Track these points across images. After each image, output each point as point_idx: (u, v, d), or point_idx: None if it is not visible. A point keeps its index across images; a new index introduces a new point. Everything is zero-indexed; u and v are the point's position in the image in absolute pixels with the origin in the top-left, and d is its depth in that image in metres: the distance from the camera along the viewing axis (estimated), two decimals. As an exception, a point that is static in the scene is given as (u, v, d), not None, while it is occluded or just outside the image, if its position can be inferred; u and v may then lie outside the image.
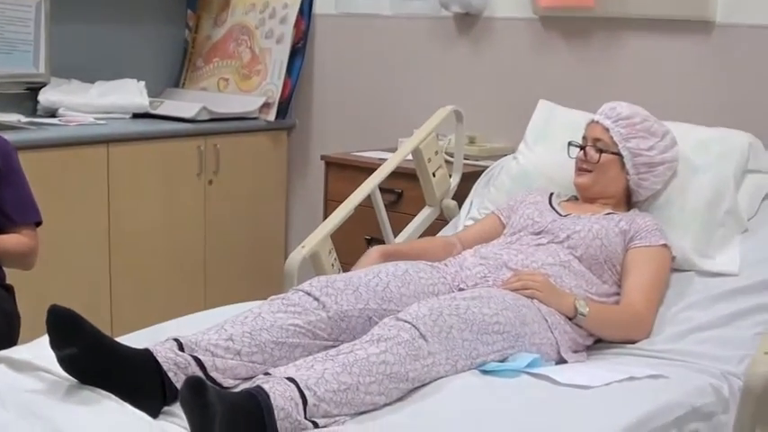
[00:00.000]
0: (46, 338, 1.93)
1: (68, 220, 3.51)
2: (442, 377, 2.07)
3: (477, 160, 3.60)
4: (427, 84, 4.00)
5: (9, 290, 2.75)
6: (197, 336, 2.03)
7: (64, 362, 1.89)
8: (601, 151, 2.72)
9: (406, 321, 2.05)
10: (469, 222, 3.11)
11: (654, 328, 2.50)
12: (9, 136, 2.97)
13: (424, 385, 2.04)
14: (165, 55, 4.59)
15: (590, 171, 2.74)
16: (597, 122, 2.76)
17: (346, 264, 2.81)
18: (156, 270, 3.91)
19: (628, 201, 2.82)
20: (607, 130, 2.73)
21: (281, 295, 2.21)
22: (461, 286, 2.46)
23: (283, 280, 2.70)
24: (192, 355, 1.96)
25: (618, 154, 2.71)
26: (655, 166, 2.73)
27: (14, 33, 3.94)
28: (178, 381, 1.91)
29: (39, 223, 2.82)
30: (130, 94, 4.10)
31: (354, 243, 3.35)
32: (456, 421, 1.91)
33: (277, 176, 4.40)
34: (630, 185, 2.76)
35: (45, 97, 3.99)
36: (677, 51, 3.34)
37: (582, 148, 2.78)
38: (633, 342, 2.46)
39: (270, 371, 1.95)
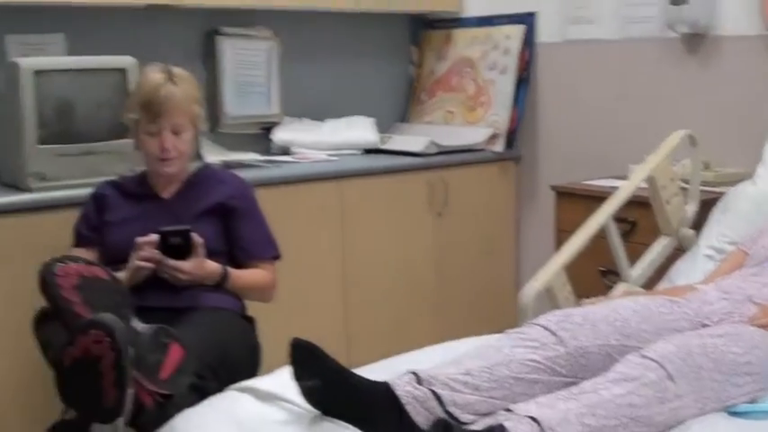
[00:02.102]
0: (287, 369, 1.98)
1: (304, 254, 3.61)
2: (687, 421, 1.98)
3: (713, 186, 3.45)
4: (655, 108, 3.88)
5: (250, 321, 2.86)
6: (435, 369, 2.03)
7: (306, 394, 1.94)
8: None
9: (652, 360, 1.97)
10: (709, 252, 2.99)
11: None
12: (246, 174, 3.11)
13: (668, 428, 1.95)
14: (391, 91, 4.68)
15: None
16: None
17: (581, 297, 2.75)
18: (389, 302, 3.96)
19: None
20: None
21: (518, 329, 2.18)
22: (705, 322, 2.33)
23: (516, 313, 2.67)
24: (430, 389, 1.96)
25: None
26: None
27: (249, 77, 4.12)
28: (416, 414, 1.92)
29: (277, 257, 2.93)
30: (361, 130, 4.21)
31: (588, 275, 3.28)
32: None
33: (506, 207, 4.37)
34: None
35: (278, 136, 4.14)
36: None
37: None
38: None
39: (510, 407, 1.92)
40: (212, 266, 2.73)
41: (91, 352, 2.12)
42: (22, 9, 3.58)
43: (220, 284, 2.75)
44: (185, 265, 2.65)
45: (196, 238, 2.66)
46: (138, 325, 2.33)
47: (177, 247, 2.65)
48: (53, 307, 2.34)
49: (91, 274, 2.41)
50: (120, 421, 2.15)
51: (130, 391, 2.13)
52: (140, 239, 2.65)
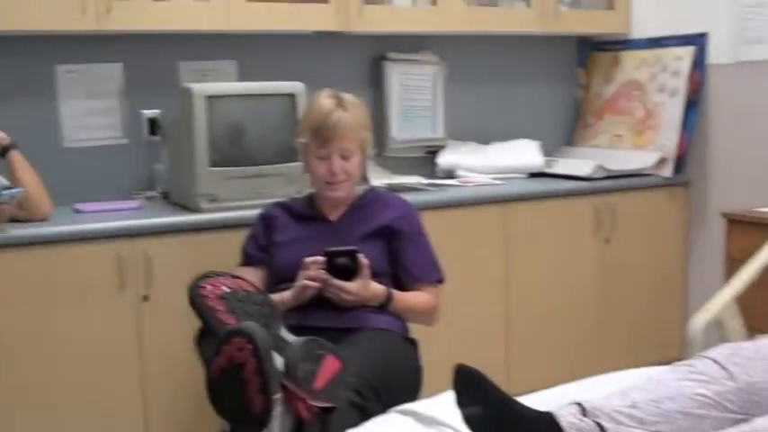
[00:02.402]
0: (449, 394, 1.97)
1: (467, 278, 3.61)
2: None
3: None
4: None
5: (413, 343, 2.87)
6: (600, 401, 1.98)
7: (468, 420, 1.92)
8: None
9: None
10: None
11: None
12: (410, 197, 3.13)
13: None
14: (556, 113, 4.64)
15: None
16: None
17: (753, 330, 2.64)
18: (552, 328, 3.91)
19: None
20: None
21: (686, 362, 2.11)
22: None
23: (682, 344, 2.59)
24: (595, 421, 1.92)
25: None
26: None
27: (414, 101, 4.16)
28: (580, 446, 1.88)
29: (441, 281, 2.93)
30: (526, 153, 4.18)
31: (762, 306, 3.15)
32: None
33: (674, 234, 4.25)
34: None
35: (443, 159, 4.16)
36: None
37: None
38: None
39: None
40: (377, 288, 2.75)
41: (234, 360, 2.17)
42: (195, 37, 3.73)
43: (384, 306, 2.78)
44: (351, 285, 2.68)
45: (362, 259, 2.68)
46: (288, 336, 2.37)
47: (343, 268, 2.69)
48: (200, 317, 2.41)
49: (236, 285, 2.48)
50: (274, 429, 2.19)
51: (276, 397, 2.16)
52: (308, 259, 2.70)
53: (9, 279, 2.98)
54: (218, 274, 2.49)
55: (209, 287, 2.42)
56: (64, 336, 3.06)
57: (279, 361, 2.23)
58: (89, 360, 3.10)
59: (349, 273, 2.69)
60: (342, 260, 2.68)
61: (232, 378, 2.17)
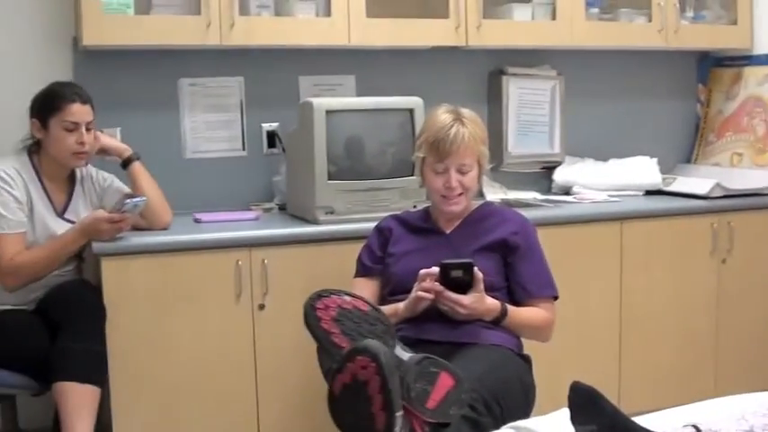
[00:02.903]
0: (563, 412, 1.96)
1: (581, 295, 3.57)
2: None
3: None
4: None
5: (527, 360, 2.85)
6: (716, 424, 1.94)
7: (583, 439, 1.91)
8: None
9: None
10: None
11: None
12: (526, 213, 3.11)
13: None
14: (675, 130, 4.56)
15: None
16: None
17: None
18: (665, 348, 3.83)
19: None
20: None
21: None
22: None
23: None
24: (714, 445, 1.88)
25: None
26: None
27: (532, 116, 4.14)
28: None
29: (556, 297, 2.91)
30: (643, 171, 4.12)
31: None
32: None
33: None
34: None
35: (560, 175, 4.13)
36: None
37: None
38: None
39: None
40: (491, 303, 2.74)
41: (358, 378, 2.19)
42: (315, 52, 3.78)
43: (498, 321, 2.77)
44: (465, 299, 2.68)
45: (477, 272, 2.68)
46: (403, 354, 2.38)
47: (458, 281, 2.68)
48: (315, 338, 2.44)
49: (351, 306, 2.49)
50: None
51: (399, 414, 2.17)
52: (423, 271, 2.71)
53: (132, 285, 3.08)
54: (332, 293, 2.51)
55: (323, 308, 2.44)
56: (182, 341, 3.14)
57: (397, 377, 2.24)
58: (206, 364, 3.17)
59: (464, 286, 2.68)
60: (457, 273, 2.67)
61: (355, 395, 2.20)
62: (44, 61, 3.45)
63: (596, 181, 4.07)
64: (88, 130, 3.11)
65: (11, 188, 3.04)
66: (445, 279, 2.67)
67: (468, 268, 2.67)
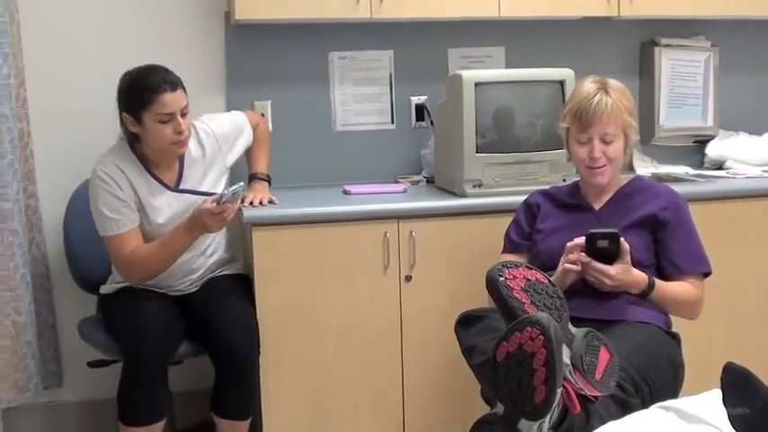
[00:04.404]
0: (715, 393, 1.93)
1: (732, 273, 3.47)
2: None
3: None
4: None
5: (675, 338, 2.81)
6: None
7: (735, 422, 1.87)
8: None
9: None
10: None
11: None
12: (678, 188, 3.05)
13: None
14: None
15: None
16: None
17: None
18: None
19: None
20: None
21: None
22: None
23: None
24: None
25: None
26: None
27: (684, 88, 4.05)
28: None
29: (707, 274, 2.85)
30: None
31: None
32: None
33: None
34: None
35: (713, 149, 4.03)
36: None
37: None
38: None
39: None
40: (638, 274, 2.71)
41: (524, 348, 2.19)
42: (464, 24, 3.78)
43: (645, 294, 2.73)
44: (611, 269, 2.65)
45: (624, 243, 2.65)
46: (573, 329, 2.38)
47: (605, 251, 2.66)
48: (503, 308, 2.40)
49: (534, 278, 2.48)
50: (546, 421, 2.20)
51: (558, 391, 2.17)
52: (570, 243, 2.70)
53: (281, 254, 3.16)
54: (516, 264, 2.50)
55: (511, 278, 2.43)
56: (330, 310, 3.22)
57: (566, 353, 2.25)
58: (353, 334, 3.24)
59: (610, 257, 2.66)
60: (603, 243, 2.65)
61: (519, 365, 2.19)
62: (196, 37, 3.54)
63: (750, 156, 3.95)
64: (183, 115, 3.03)
65: (112, 188, 3.03)
66: (591, 249, 2.66)
67: (614, 238, 2.65)
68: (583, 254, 2.67)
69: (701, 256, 2.86)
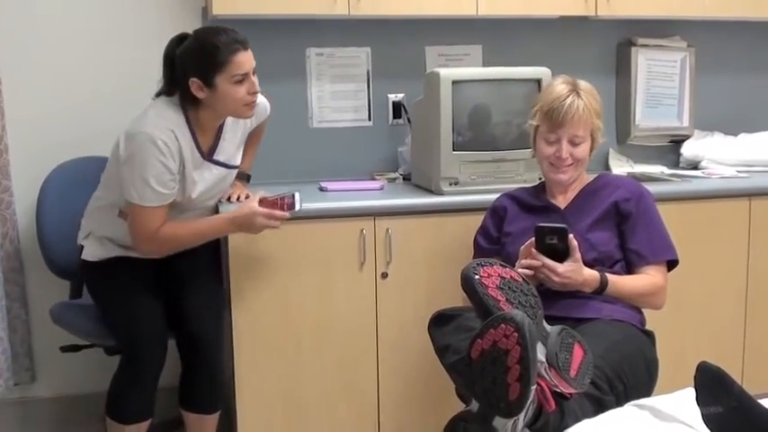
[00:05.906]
0: (688, 392, 1.94)
1: (706, 271, 3.50)
2: None
3: None
4: None
5: (649, 336, 2.80)
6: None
7: (708, 420, 1.88)
8: None
9: None
10: None
11: None
12: (651, 187, 3.06)
13: None
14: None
15: None
16: None
17: None
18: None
19: None
20: None
21: None
22: None
23: None
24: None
25: None
26: None
27: (660, 88, 4.06)
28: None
29: (673, 262, 2.86)
30: (775, 146, 4.01)
31: None
32: None
33: None
34: None
35: (688, 149, 4.05)
36: None
37: None
38: None
39: None
40: (590, 273, 2.70)
41: (499, 345, 2.18)
42: (442, 22, 3.78)
43: (599, 293, 2.73)
44: (560, 266, 2.65)
45: (572, 239, 2.65)
46: (547, 326, 2.38)
47: (554, 247, 2.64)
48: (478, 305, 2.40)
49: (509, 276, 2.48)
50: (521, 419, 2.21)
51: (533, 388, 2.18)
52: (523, 247, 2.70)
53: (258, 250, 3.15)
54: (490, 263, 2.49)
55: (486, 276, 2.42)
56: (306, 307, 3.21)
57: (541, 350, 2.25)
58: (328, 330, 3.24)
59: (560, 254, 2.65)
60: (552, 240, 2.64)
61: (493, 362, 2.19)
62: (174, 32, 3.51)
63: (726, 156, 3.97)
64: (254, 73, 2.92)
65: (166, 159, 2.84)
66: (542, 245, 2.65)
67: (562, 234, 2.64)
68: (533, 249, 2.66)
69: (664, 244, 2.86)
